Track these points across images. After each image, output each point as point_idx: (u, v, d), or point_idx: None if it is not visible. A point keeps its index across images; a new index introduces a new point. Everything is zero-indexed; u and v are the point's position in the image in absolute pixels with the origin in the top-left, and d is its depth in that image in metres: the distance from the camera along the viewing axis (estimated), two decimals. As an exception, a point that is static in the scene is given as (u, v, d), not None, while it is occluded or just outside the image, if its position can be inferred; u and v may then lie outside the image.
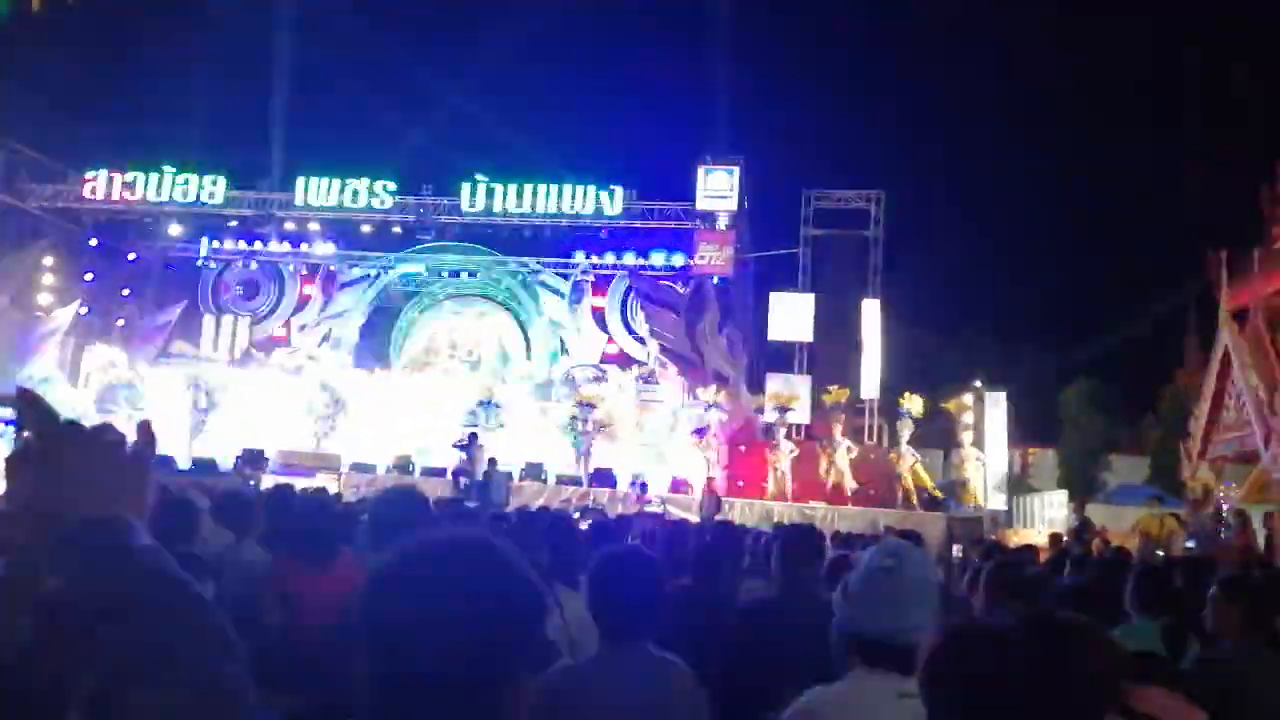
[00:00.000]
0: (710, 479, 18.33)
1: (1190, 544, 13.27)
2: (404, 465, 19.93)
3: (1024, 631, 1.29)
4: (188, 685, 0.79)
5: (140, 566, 0.86)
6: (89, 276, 25.88)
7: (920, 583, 2.22)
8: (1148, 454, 27.61)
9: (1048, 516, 20.98)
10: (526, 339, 26.01)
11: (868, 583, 2.20)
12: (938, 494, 19.66)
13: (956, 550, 12.15)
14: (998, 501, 20.61)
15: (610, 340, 25.21)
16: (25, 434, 0.92)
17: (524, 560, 1.29)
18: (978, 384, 21.86)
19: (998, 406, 21.28)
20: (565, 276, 25.53)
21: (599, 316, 25.31)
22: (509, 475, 17.14)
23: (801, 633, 3.47)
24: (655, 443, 21.91)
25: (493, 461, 16.70)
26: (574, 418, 20.96)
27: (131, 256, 26.42)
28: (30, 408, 0.91)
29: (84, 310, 24.82)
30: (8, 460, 0.92)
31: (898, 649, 2.16)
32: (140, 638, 0.81)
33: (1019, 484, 23.92)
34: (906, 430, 19.61)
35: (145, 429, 0.95)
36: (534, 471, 19.87)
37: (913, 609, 2.17)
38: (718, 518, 15.12)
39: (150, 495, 0.94)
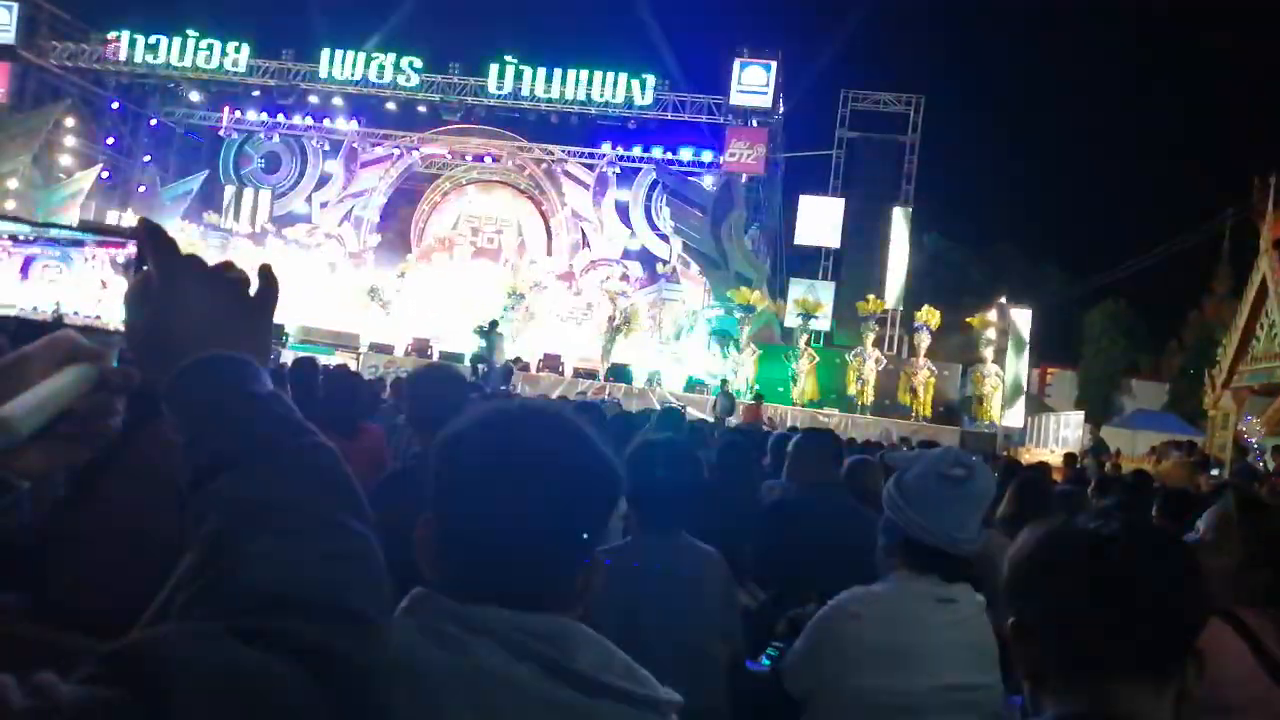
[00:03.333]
0: (725, 380, 18.33)
1: (1215, 472, 13.26)
2: (422, 348, 20.00)
3: (1127, 536, 1.19)
4: (311, 533, 0.74)
5: (264, 409, 0.81)
6: (110, 140, 25.62)
7: (985, 495, 2.16)
8: (1168, 380, 27.47)
9: (1062, 436, 21.00)
10: (548, 229, 25.74)
11: (934, 488, 2.13)
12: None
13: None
14: (1013, 419, 20.61)
15: (633, 235, 24.93)
16: (145, 267, 0.86)
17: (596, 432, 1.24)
18: (1002, 300, 21.61)
19: (1021, 324, 21.09)
20: (590, 167, 25.10)
21: (623, 210, 24.98)
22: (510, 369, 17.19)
23: (822, 532, 3.46)
24: (672, 341, 21.91)
25: (507, 366, 16.68)
26: (602, 312, 21.02)
27: (153, 122, 26.08)
28: (151, 239, 0.86)
29: (105, 174, 24.67)
30: (128, 294, 0.86)
31: (952, 556, 2.12)
32: (264, 481, 0.76)
33: (1036, 402, 23.87)
34: (924, 343, 19.51)
35: (267, 271, 0.90)
36: (552, 363, 19.98)
37: (974, 519, 2.13)
38: (730, 420, 15.16)
39: (271, 339, 0.89)
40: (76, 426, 0.85)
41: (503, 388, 14.74)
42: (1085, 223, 33.67)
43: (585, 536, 1.18)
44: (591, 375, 19.55)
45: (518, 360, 18.68)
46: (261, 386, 0.82)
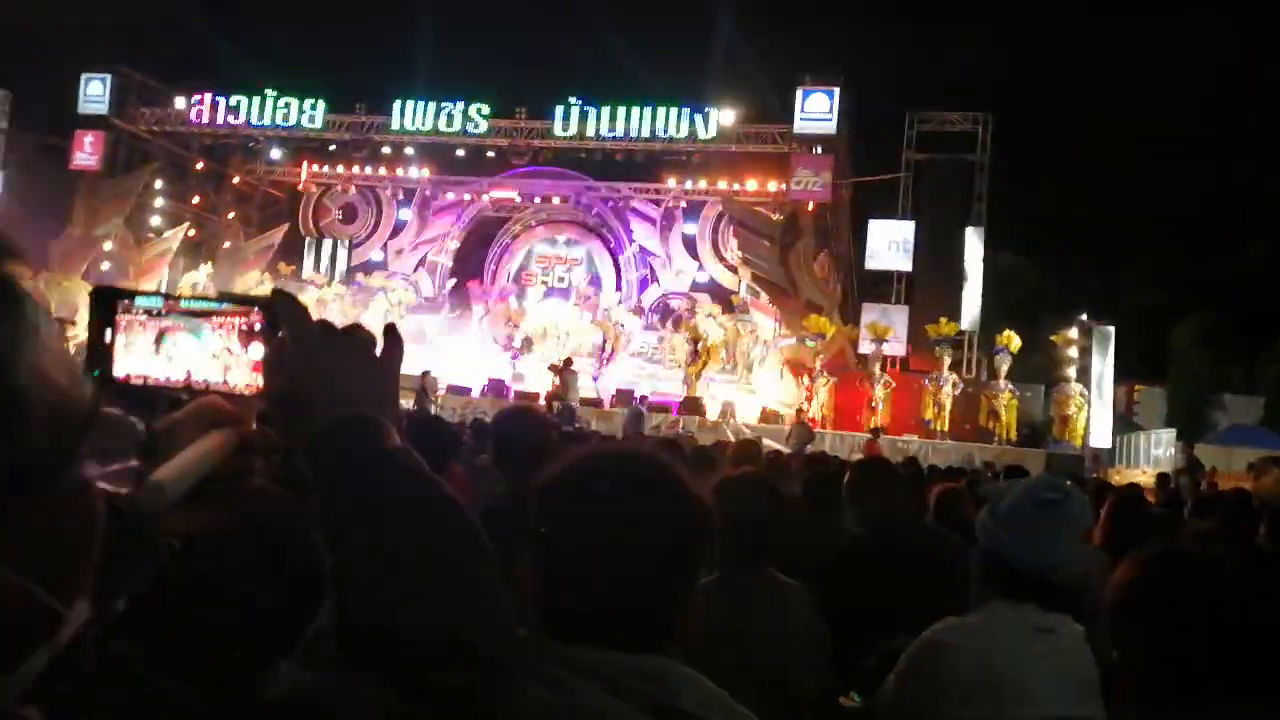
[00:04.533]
0: (801, 410, 18.18)
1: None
2: (499, 389, 20.27)
3: (1236, 562, 1.17)
4: (444, 583, 0.78)
5: (395, 466, 0.85)
6: (195, 199, 26.70)
7: (1081, 520, 2.13)
8: (1263, 393, 26.38)
9: (1153, 455, 20.30)
10: (616, 265, 25.97)
11: (1028, 513, 2.10)
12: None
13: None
14: (1101, 439, 20.01)
15: (700, 268, 24.99)
16: (280, 334, 0.92)
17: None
18: (1084, 317, 21.06)
19: (1104, 341, 20.52)
20: (657, 203, 25.28)
21: (690, 243, 25.07)
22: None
23: (910, 563, 3.40)
24: (745, 373, 21.84)
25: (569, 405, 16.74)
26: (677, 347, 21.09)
27: (235, 180, 27.11)
28: (286, 308, 0.92)
29: (192, 232, 25.69)
30: (265, 360, 0.93)
31: (1050, 584, 2.08)
32: (398, 535, 0.80)
33: (1123, 422, 23.14)
34: (1004, 365, 19.11)
35: (393, 331, 0.94)
36: (625, 399, 20.07)
37: (1072, 545, 2.09)
38: (809, 449, 15.01)
39: (398, 397, 0.94)
40: (222, 488, 0.91)
41: (571, 426, 14.86)
42: (1166, 234, 32.65)
43: (682, 578, 1.20)
44: (664, 410, 19.59)
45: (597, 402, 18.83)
46: (392, 443, 0.87)
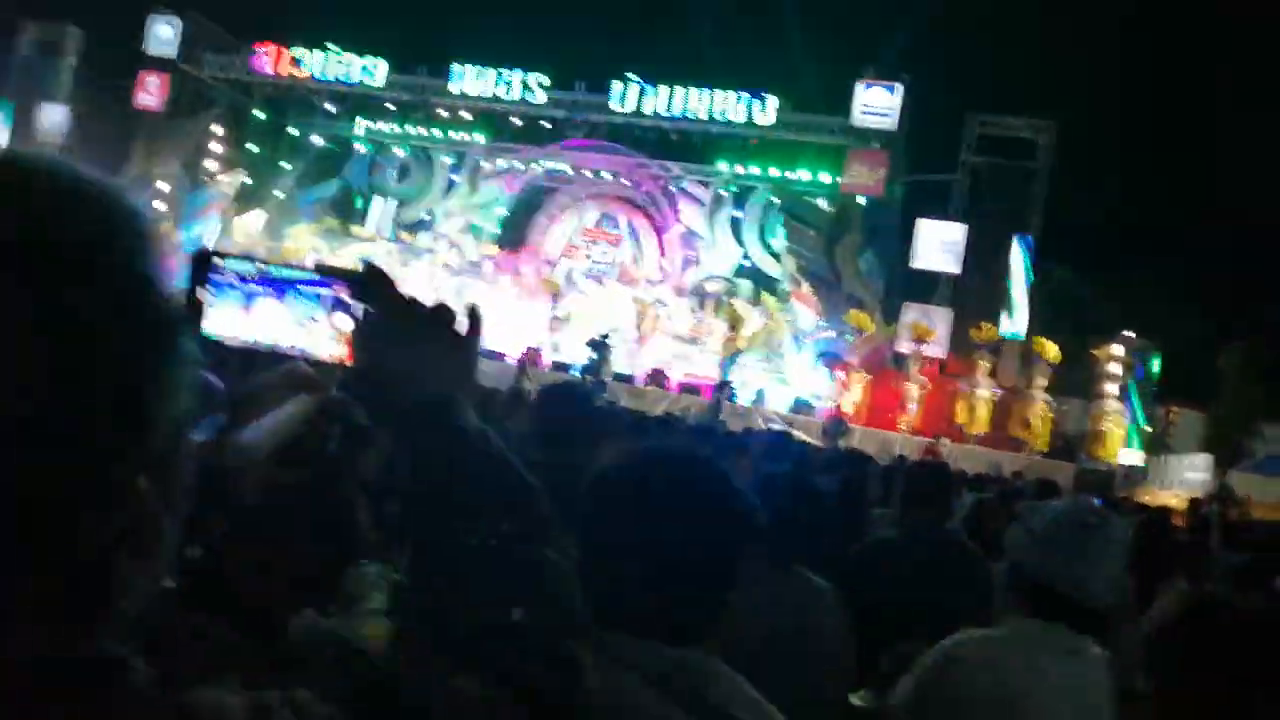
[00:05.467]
0: (838, 405, 18.13)
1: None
2: (534, 358, 20.40)
3: (1272, 613, 1.21)
4: (518, 571, 0.81)
5: (473, 448, 0.88)
6: (253, 148, 27.00)
7: (1120, 545, 2.13)
8: (1307, 426, 25.82)
9: (1185, 479, 20.00)
10: (661, 245, 25.94)
11: (1067, 534, 2.10)
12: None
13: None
14: (1133, 458, 19.75)
15: (745, 254, 24.91)
16: (368, 307, 0.94)
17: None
18: (1129, 334, 20.74)
19: (1148, 359, 20.22)
20: (706, 185, 25.19)
21: (736, 228, 24.97)
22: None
23: (929, 572, 3.41)
24: (780, 361, 21.79)
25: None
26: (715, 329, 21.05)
27: (293, 131, 27.36)
28: (376, 282, 0.94)
29: (246, 179, 26.01)
30: (355, 333, 0.95)
31: (1084, 607, 2.07)
32: (475, 517, 0.83)
33: (1157, 442, 22.79)
34: (1042, 375, 18.90)
35: (474, 313, 0.96)
36: (657, 378, 20.13)
37: (1109, 569, 2.08)
38: (841, 443, 14.98)
39: (476, 377, 0.96)
40: (303, 452, 0.96)
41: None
42: (1223, 255, 31.94)
43: (726, 577, 1.26)
44: (695, 391, 19.61)
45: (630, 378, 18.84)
46: (471, 424, 0.90)
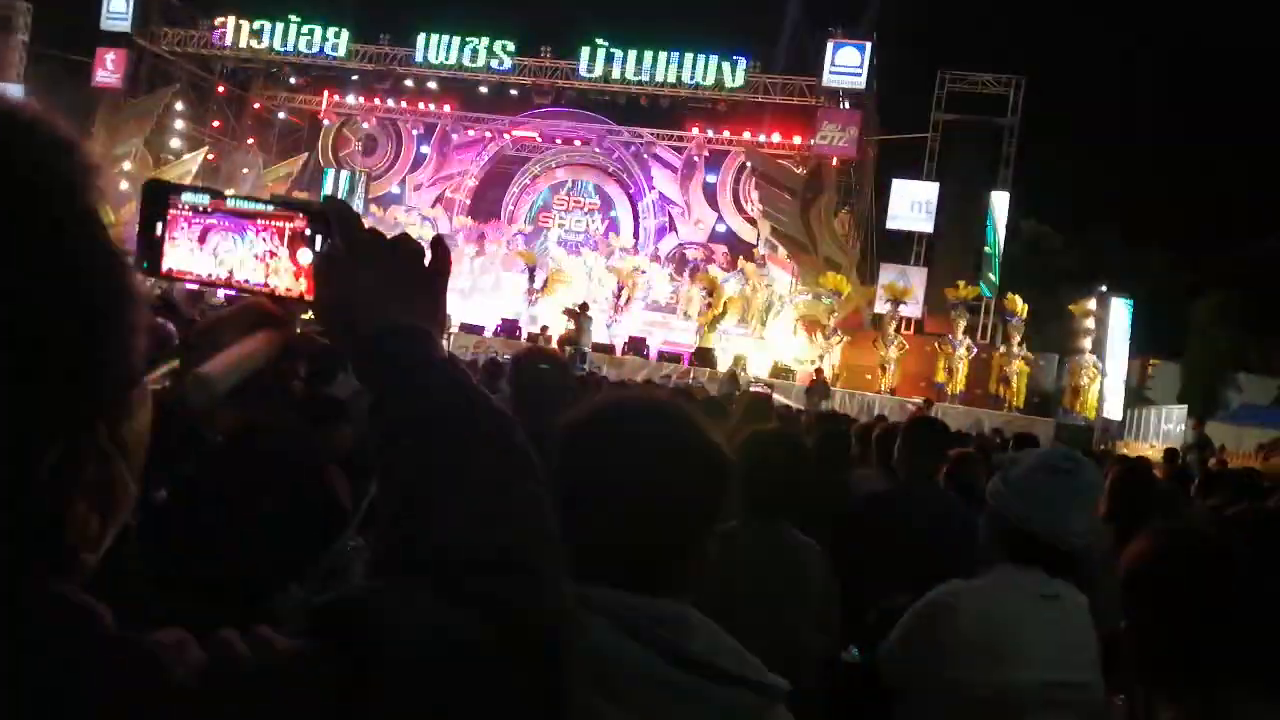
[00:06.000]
0: (819, 368, 18.16)
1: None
2: (511, 329, 20.31)
3: (1250, 541, 1.18)
4: (493, 495, 0.77)
5: (443, 376, 0.84)
6: (216, 124, 26.55)
7: (1093, 489, 2.14)
8: (1277, 375, 26.23)
9: (1163, 431, 20.27)
10: (635, 212, 25.82)
11: (1041, 480, 2.11)
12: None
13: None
14: (1112, 411, 19.97)
15: (720, 219, 24.82)
16: (330, 240, 0.91)
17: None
18: (1103, 288, 20.89)
19: (1121, 313, 20.39)
20: (679, 150, 25.04)
21: (710, 193, 24.87)
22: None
23: (921, 526, 3.42)
24: (758, 327, 21.81)
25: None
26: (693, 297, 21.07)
27: (256, 106, 26.92)
28: (338, 215, 0.91)
29: (211, 156, 25.60)
30: (315, 266, 0.92)
31: (1057, 551, 2.10)
32: (446, 447, 0.79)
33: (1136, 395, 23.07)
34: (1017, 332, 19.03)
35: (440, 242, 0.93)
36: (637, 346, 20.11)
37: (1083, 515, 2.11)
38: (824, 405, 15.04)
39: (445, 308, 0.92)
40: (265, 389, 0.91)
41: (581, 370, 14.87)
42: (1193, 208, 32.20)
43: (698, 524, 1.22)
44: (675, 359, 19.61)
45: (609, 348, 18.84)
46: (439, 353, 0.86)
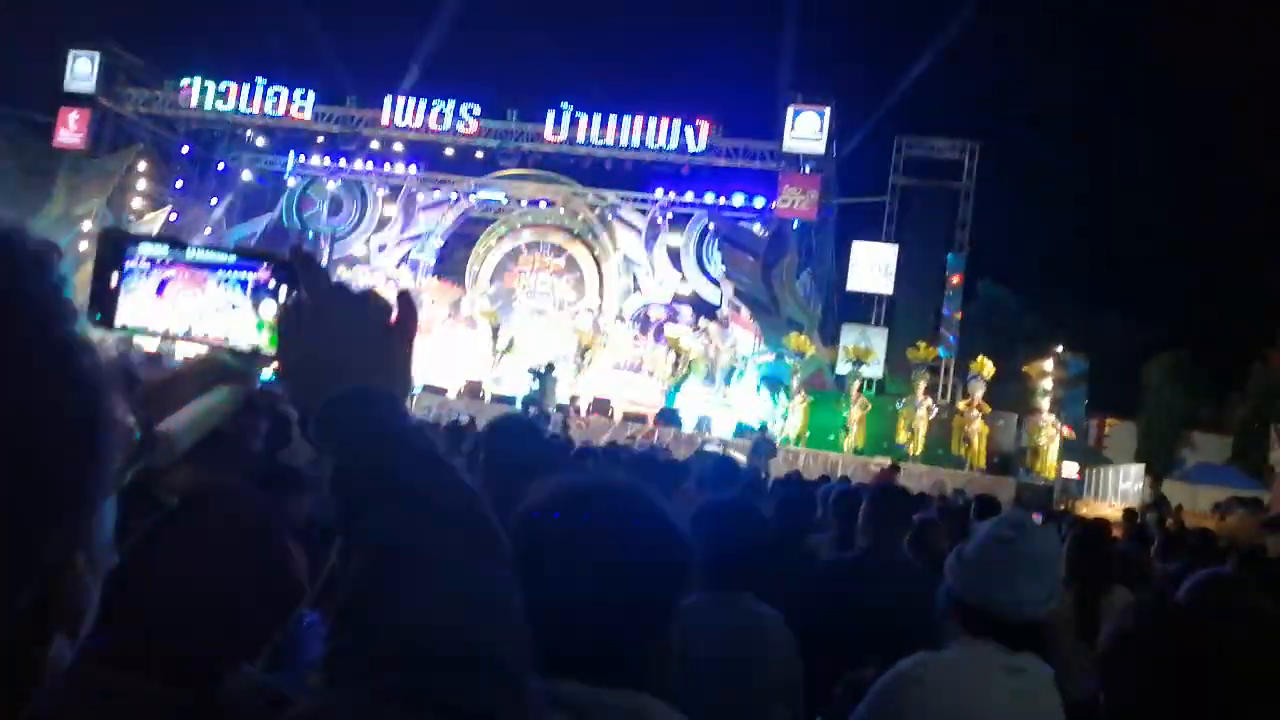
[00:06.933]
0: (765, 426, 18.23)
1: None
2: (475, 390, 20.18)
3: (1222, 617, 1.19)
4: (455, 582, 0.72)
5: (407, 447, 0.79)
6: (179, 184, 26.43)
7: (1040, 557, 2.13)
8: (1231, 433, 26.70)
9: (1121, 490, 20.49)
10: (600, 273, 25.96)
11: (983, 551, 2.12)
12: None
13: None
14: (1069, 471, 20.17)
15: (684, 280, 25.02)
16: (295, 293, 0.87)
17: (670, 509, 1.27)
18: (1059, 349, 21.26)
19: (1078, 374, 20.72)
20: (643, 212, 25.31)
21: (674, 255, 25.10)
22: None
23: (886, 595, 3.40)
24: (722, 386, 21.87)
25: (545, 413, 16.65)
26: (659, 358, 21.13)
27: (220, 167, 26.87)
28: (304, 266, 0.87)
29: (173, 217, 25.43)
30: (279, 318, 0.88)
31: (1007, 622, 2.09)
32: (407, 526, 0.74)
33: (1093, 454, 23.34)
34: (978, 392, 19.26)
35: (407, 299, 0.88)
36: (601, 407, 20.05)
37: (1028, 583, 2.08)
38: (770, 463, 14.96)
39: (411, 369, 0.87)
40: (225, 446, 0.87)
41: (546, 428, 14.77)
42: (1146, 271, 33.03)
43: (662, 610, 1.21)
44: (640, 420, 19.57)
45: (573, 401, 18.76)
46: (405, 421, 0.81)
